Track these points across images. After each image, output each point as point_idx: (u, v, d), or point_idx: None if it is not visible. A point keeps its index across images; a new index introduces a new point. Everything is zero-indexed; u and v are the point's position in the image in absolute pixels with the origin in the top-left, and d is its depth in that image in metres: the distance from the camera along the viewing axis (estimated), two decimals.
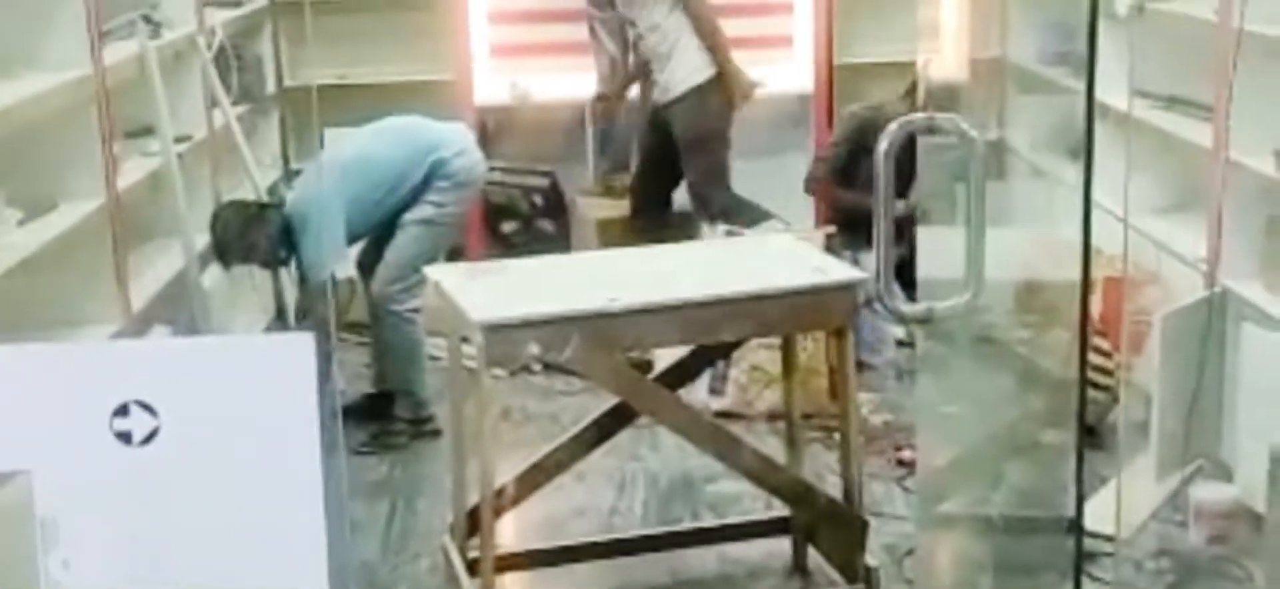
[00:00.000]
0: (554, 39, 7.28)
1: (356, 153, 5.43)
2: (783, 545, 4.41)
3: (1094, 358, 4.82)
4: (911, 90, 5.50)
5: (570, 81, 7.18)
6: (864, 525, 4.03)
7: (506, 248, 7.06)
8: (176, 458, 2.55)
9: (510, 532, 4.52)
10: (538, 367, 5.48)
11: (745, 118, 6.67)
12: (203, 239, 5.44)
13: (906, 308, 2.93)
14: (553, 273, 4.30)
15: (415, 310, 5.35)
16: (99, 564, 2.59)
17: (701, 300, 3.82)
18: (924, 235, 3.60)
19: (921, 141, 3.10)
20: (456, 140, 5.48)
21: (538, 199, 7.35)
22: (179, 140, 5.51)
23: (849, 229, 5.94)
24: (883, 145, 2.74)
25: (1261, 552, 3.70)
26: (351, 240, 5.35)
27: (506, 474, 4.07)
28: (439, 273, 4.18)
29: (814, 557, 4.30)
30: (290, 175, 5.87)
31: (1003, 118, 5.96)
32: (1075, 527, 2.87)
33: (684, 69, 6.41)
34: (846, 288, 3.92)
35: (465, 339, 3.92)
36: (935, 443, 3.75)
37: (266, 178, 6.07)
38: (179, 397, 2.54)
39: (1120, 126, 4.49)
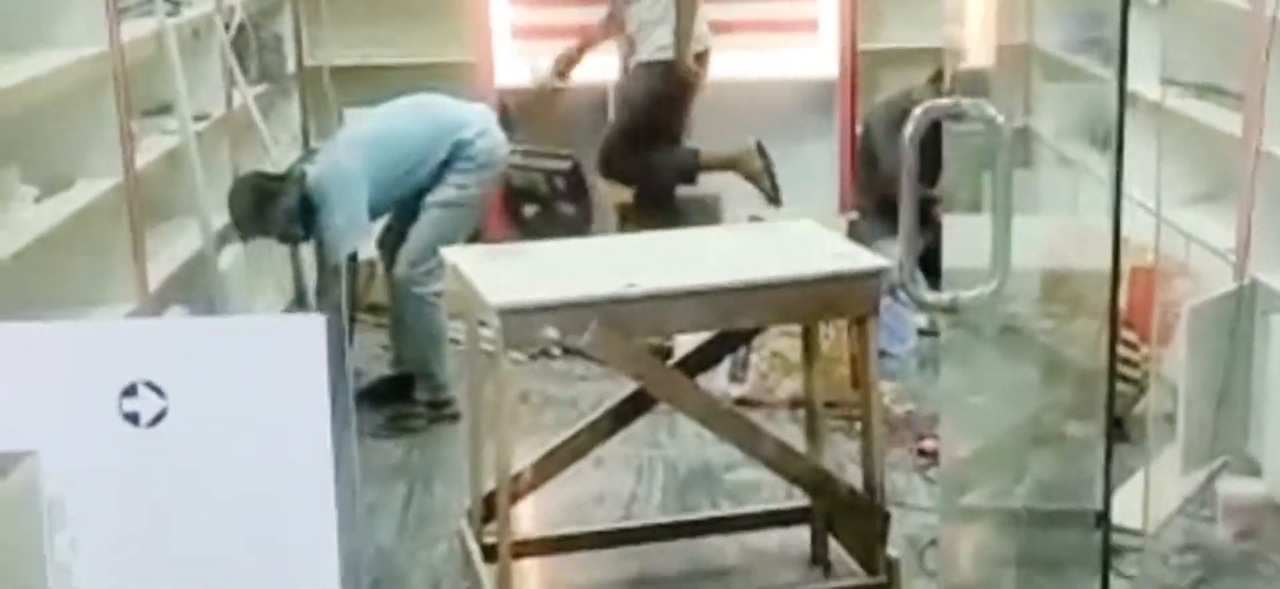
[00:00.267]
0: (576, 21, 7.24)
1: (379, 128, 5.42)
2: (802, 535, 4.36)
3: (1121, 349, 4.75)
4: (937, 76, 5.45)
5: (592, 64, 7.14)
6: (886, 516, 3.98)
7: (527, 231, 7.04)
8: (185, 440, 2.53)
9: (528, 517, 4.49)
10: (557, 351, 5.47)
11: (770, 104, 6.63)
12: (221, 218, 5.40)
13: (930, 296, 2.90)
14: (572, 256, 4.25)
15: (438, 293, 5.32)
16: (106, 545, 2.56)
17: (721, 286, 3.77)
18: (949, 223, 3.55)
19: (947, 128, 3.05)
20: (478, 121, 5.46)
21: (559, 182, 7.31)
22: (197, 119, 5.49)
23: (877, 216, 5.90)
24: (908, 130, 2.70)
25: None
26: (374, 216, 5.32)
27: (524, 459, 4.03)
28: (457, 255, 4.14)
29: (834, 547, 4.25)
30: (310, 154, 5.84)
31: (1029, 105, 5.93)
32: (1103, 520, 2.83)
33: (657, 42, 6.74)
34: (870, 276, 3.87)
35: (483, 322, 3.88)
36: (959, 434, 3.70)
37: (286, 157, 6.03)
38: (187, 377, 2.52)
39: (1150, 115, 4.43)
